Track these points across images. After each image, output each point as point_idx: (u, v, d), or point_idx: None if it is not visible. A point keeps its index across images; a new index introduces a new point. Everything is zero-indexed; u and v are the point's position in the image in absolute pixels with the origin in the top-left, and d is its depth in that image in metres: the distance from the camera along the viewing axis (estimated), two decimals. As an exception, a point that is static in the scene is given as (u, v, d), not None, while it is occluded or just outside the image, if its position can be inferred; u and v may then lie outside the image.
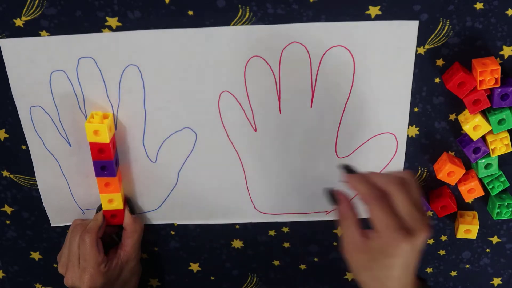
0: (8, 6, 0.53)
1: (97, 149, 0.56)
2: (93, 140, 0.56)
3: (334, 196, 0.54)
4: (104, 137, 0.56)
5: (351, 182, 0.52)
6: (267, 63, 0.55)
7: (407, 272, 0.50)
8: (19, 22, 0.53)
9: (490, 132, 0.56)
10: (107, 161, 0.57)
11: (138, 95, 0.57)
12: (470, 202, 0.64)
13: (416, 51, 0.55)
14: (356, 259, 0.52)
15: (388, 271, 0.50)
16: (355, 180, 0.51)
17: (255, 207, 0.64)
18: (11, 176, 0.63)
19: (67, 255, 0.60)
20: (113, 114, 0.58)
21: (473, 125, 0.56)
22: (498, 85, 0.53)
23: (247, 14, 0.53)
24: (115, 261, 0.61)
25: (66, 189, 0.63)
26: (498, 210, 0.60)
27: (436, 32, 0.54)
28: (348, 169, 0.53)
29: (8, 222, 0.66)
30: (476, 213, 0.64)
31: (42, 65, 0.55)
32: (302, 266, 0.69)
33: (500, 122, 0.55)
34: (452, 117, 0.59)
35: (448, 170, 0.59)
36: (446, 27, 0.54)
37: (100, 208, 0.62)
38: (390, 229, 0.48)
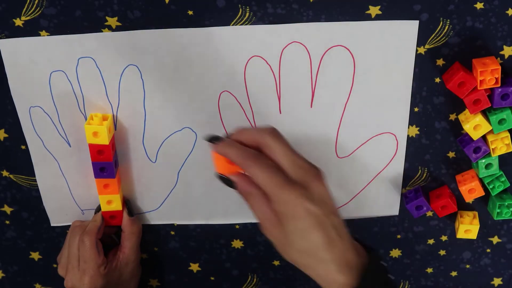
0: (8, 6, 0.53)
1: (96, 151, 0.56)
2: (92, 141, 0.56)
3: (227, 179, 0.48)
4: (104, 139, 0.55)
5: (219, 149, 0.47)
6: (267, 63, 0.55)
7: (328, 234, 0.44)
8: (18, 22, 0.53)
9: (491, 131, 0.56)
10: (107, 163, 0.57)
11: (138, 95, 0.57)
12: (471, 202, 0.64)
13: (416, 51, 0.55)
14: (275, 236, 0.46)
15: (305, 239, 0.44)
16: (223, 146, 0.46)
17: (255, 207, 0.64)
18: (11, 176, 0.63)
19: (66, 257, 0.60)
20: (113, 115, 0.58)
21: (474, 124, 0.56)
22: (499, 85, 0.53)
23: (247, 14, 0.53)
24: (115, 263, 0.61)
25: (65, 189, 0.63)
26: (498, 210, 0.60)
27: (436, 32, 0.54)
28: (214, 139, 0.48)
29: (7, 222, 0.66)
30: (476, 213, 0.64)
31: (42, 65, 0.55)
32: (302, 266, 0.69)
33: (501, 122, 0.55)
34: (452, 117, 0.59)
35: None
36: (446, 27, 0.54)
37: (98, 209, 0.62)
38: (279, 187, 0.43)
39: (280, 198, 0.44)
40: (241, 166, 0.46)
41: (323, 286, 0.47)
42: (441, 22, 0.53)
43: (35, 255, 0.68)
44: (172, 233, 0.66)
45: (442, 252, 0.67)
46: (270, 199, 0.45)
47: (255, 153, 0.45)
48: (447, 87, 0.54)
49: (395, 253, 0.68)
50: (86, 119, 0.58)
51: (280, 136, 0.46)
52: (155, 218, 0.65)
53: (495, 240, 0.66)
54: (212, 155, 0.49)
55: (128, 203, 0.62)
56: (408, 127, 0.59)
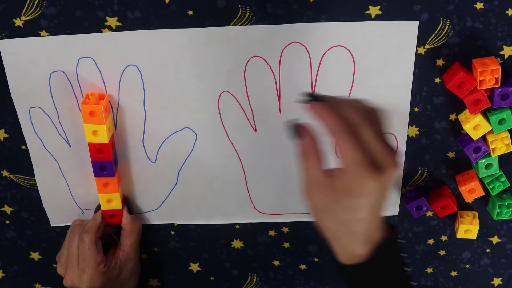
0: (8, 6, 0.53)
1: (96, 150, 0.56)
2: (92, 140, 0.56)
3: (297, 130, 0.48)
4: (103, 138, 0.55)
5: (318, 112, 0.46)
6: (267, 63, 0.55)
7: (373, 214, 0.46)
8: (18, 22, 0.53)
9: (491, 131, 0.56)
10: (106, 161, 0.57)
11: (138, 95, 0.57)
12: (470, 202, 0.64)
13: (416, 51, 0.55)
14: (318, 201, 0.47)
15: (353, 214, 0.45)
16: (323, 110, 0.46)
17: (255, 207, 0.64)
18: (11, 176, 0.63)
19: (66, 255, 0.60)
20: (113, 115, 0.58)
21: (474, 124, 0.56)
22: (498, 85, 0.53)
23: (247, 14, 0.53)
24: (114, 261, 0.61)
25: (65, 189, 0.63)
26: (498, 210, 0.60)
27: (436, 32, 0.54)
28: (313, 97, 0.47)
29: (7, 222, 0.66)
30: (476, 213, 0.64)
31: (42, 65, 0.55)
32: (302, 266, 0.69)
33: (501, 122, 0.55)
34: (452, 117, 0.59)
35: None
36: (446, 27, 0.54)
37: (98, 207, 0.62)
38: (357, 166, 0.44)
39: (353, 175, 0.44)
40: (330, 135, 0.46)
41: (340, 254, 0.49)
42: (441, 22, 0.53)
43: (35, 255, 0.68)
44: (172, 233, 0.66)
45: (442, 252, 0.67)
46: (339, 172, 0.45)
47: (346, 129, 0.45)
48: (447, 87, 0.54)
49: (395, 253, 0.68)
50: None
51: (372, 118, 0.46)
52: (155, 218, 0.65)
53: (495, 240, 0.66)
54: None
55: (127, 202, 0.62)
56: (408, 127, 0.59)
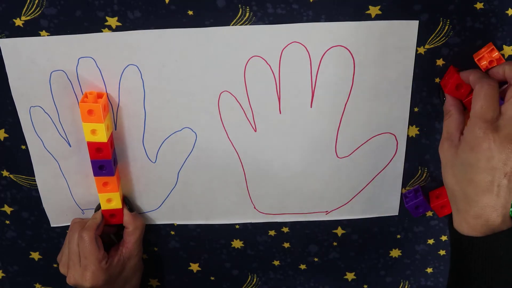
0: (8, 6, 0.53)
1: (95, 149, 0.56)
2: (91, 139, 0.56)
3: (443, 92, 0.55)
4: (102, 136, 0.55)
5: (463, 74, 0.52)
6: (267, 63, 0.55)
7: (491, 185, 0.47)
8: (18, 22, 0.53)
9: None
10: (105, 160, 0.57)
11: (138, 95, 0.57)
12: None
13: (416, 51, 0.55)
14: (445, 155, 0.51)
15: (471, 172, 0.47)
16: (467, 72, 0.51)
17: (255, 207, 0.64)
18: (11, 176, 0.63)
19: (67, 254, 0.61)
20: (113, 114, 0.58)
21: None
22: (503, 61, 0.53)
23: (247, 14, 0.53)
24: (117, 257, 0.61)
25: (65, 189, 0.63)
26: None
27: (436, 32, 0.54)
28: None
29: (7, 222, 0.66)
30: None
31: (42, 65, 0.55)
32: (302, 266, 0.69)
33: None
34: (452, 117, 0.59)
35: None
36: (446, 27, 0.54)
37: (98, 207, 0.62)
38: (481, 118, 0.46)
39: (477, 130, 0.47)
40: (472, 85, 0.50)
41: (455, 220, 0.51)
42: (441, 22, 0.53)
43: (35, 255, 0.68)
44: (172, 233, 0.67)
45: (442, 252, 0.67)
46: (469, 123, 0.49)
47: (491, 83, 0.48)
48: (446, 92, 0.55)
49: (395, 253, 0.68)
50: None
51: None
52: (155, 218, 0.65)
53: (495, 240, 0.66)
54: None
55: (127, 201, 0.62)
56: (408, 127, 0.59)
